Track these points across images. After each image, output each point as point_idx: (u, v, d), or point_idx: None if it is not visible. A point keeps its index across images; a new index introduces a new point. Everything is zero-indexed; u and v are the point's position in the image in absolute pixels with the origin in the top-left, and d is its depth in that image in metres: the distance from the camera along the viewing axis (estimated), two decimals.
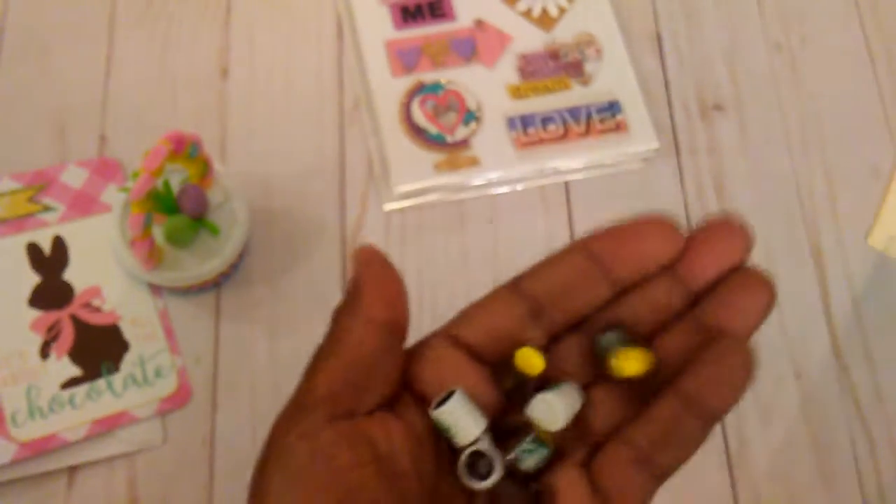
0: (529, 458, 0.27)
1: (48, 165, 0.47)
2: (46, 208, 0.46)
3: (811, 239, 0.50)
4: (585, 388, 0.28)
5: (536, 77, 0.52)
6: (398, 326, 0.27)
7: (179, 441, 0.43)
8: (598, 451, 0.28)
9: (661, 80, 0.53)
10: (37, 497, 0.42)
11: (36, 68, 0.50)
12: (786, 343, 0.48)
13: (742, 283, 0.28)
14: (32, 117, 0.49)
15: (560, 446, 0.28)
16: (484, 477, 0.27)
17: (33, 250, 0.45)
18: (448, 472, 0.27)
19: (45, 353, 0.43)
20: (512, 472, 0.27)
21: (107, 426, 0.42)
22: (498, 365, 0.28)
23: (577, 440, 0.28)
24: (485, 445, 0.27)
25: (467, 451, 0.27)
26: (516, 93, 0.51)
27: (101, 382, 0.43)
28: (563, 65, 0.52)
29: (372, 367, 0.26)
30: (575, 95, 0.51)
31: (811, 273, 0.50)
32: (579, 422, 0.28)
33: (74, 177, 0.47)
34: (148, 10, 0.52)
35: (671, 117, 0.52)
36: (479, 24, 0.53)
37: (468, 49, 0.52)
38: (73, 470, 0.42)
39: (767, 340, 0.48)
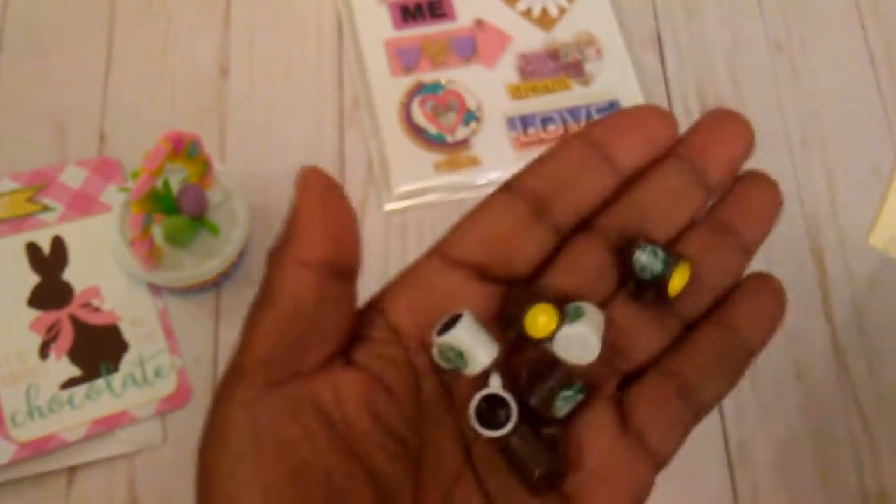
0: (565, 404, 0.24)
1: (47, 165, 0.47)
2: (46, 208, 0.46)
3: (811, 238, 0.50)
4: (604, 303, 0.26)
5: (536, 77, 0.52)
6: (345, 267, 0.24)
7: (179, 441, 0.43)
8: (633, 383, 0.26)
9: (662, 80, 0.53)
10: (36, 497, 0.42)
11: (35, 68, 0.50)
12: (786, 343, 0.48)
13: (753, 184, 0.27)
14: (32, 117, 0.49)
15: (587, 379, 0.25)
16: (500, 424, 0.24)
17: (33, 250, 0.45)
18: (435, 417, 0.24)
19: (44, 353, 0.43)
20: (534, 413, 0.24)
21: (106, 426, 0.42)
22: (504, 315, 0.25)
23: (606, 370, 0.25)
24: (497, 385, 0.24)
25: (479, 395, 0.24)
26: (516, 93, 0.51)
27: (100, 382, 0.43)
28: (564, 65, 0.52)
29: (314, 320, 0.23)
30: (575, 95, 0.51)
31: (812, 272, 0.50)
32: (609, 348, 0.25)
33: (74, 176, 0.47)
34: (148, 9, 0.52)
35: None
36: (479, 23, 0.53)
37: (468, 49, 0.52)
38: (72, 470, 0.42)
39: None
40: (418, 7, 0.53)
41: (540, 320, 0.24)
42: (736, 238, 0.26)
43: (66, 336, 0.44)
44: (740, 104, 0.53)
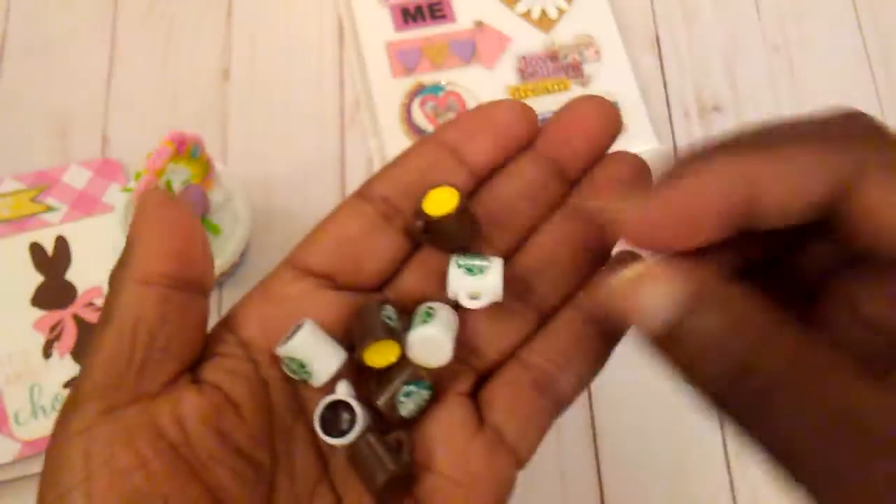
0: (408, 401, 0.23)
1: (50, 166, 0.47)
2: (49, 208, 0.46)
3: None
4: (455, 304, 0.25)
5: (536, 78, 0.52)
6: (190, 281, 0.22)
7: None
8: (488, 379, 0.25)
9: (660, 82, 0.54)
10: None
11: (38, 69, 0.51)
12: None
13: (616, 164, 0.26)
14: (35, 118, 0.49)
15: (438, 378, 0.24)
16: (345, 431, 0.23)
17: (36, 250, 0.46)
18: (288, 431, 0.23)
19: (47, 352, 0.44)
20: (382, 417, 0.23)
21: None
22: (351, 340, 0.24)
23: (460, 368, 0.24)
24: (343, 391, 0.23)
25: (323, 402, 0.23)
26: (516, 94, 0.51)
27: None
28: (563, 66, 0.52)
29: (155, 338, 0.21)
30: (574, 96, 0.52)
31: None
32: (462, 346, 0.24)
33: (77, 177, 0.47)
34: (150, 11, 0.52)
35: (670, 118, 0.53)
36: (479, 25, 0.53)
37: (468, 50, 0.52)
38: None
39: None
40: (419, 9, 0.53)
41: (377, 358, 0.23)
42: (589, 219, 0.25)
43: (70, 335, 0.44)
44: (738, 105, 0.53)
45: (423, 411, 0.24)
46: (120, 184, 0.47)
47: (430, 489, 0.23)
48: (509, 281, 0.24)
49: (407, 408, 0.23)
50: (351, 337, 0.24)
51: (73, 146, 0.49)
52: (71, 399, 0.21)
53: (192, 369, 0.23)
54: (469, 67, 0.52)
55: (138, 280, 0.22)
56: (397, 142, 0.50)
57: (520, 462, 0.24)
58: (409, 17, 0.53)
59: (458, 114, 0.27)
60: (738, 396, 0.19)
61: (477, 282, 0.24)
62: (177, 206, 0.23)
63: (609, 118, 0.26)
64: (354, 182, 0.49)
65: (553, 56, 0.53)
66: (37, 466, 0.42)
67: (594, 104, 0.26)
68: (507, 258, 0.25)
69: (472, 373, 0.25)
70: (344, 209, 0.25)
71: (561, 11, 0.54)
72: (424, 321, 0.23)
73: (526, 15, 0.54)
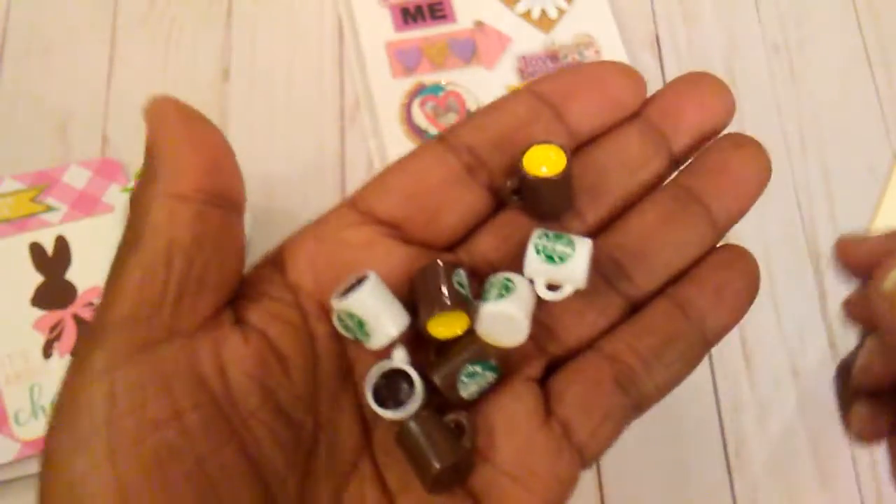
0: (471, 382, 0.20)
1: (50, 166, 0.47)
2: (49, 208, 0.46)
3: (809, 238, 0.51)
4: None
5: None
6: (225, 197, 0.20)
7: None
8: (562, 366, 0.22)
9: (660, 82, 0.54)
10: None
11: (38, 69, 0.51)
12: (783, 341, 0.48)
13: (733, 148, 0.23)
14: (34, 118, 0.49)
15: (506, 358, 0.21)
16: (400, 403, 0.20)
17: (36, 250, 0.46)
18: (333, 395, 0.20)
19: (47, 352, 0.44)
20: (438, 395, 0.21)
21: None
22: (412, 301, 0.21)
23: (532, 350, 0.22)
24: (401, 358, 0.20)
25: (379, 368, 0.20)
26: None
27: None
28: (563, 66, 0.52)
29: (193, 262, 0.18)
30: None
31: (809, 272, 0.50)
32: (537, 325, 0.21)
33: (77, 177, 0.47)
34: (150, 11, 0.52)
35: None
36: (479, 25, 0.53)
37: (468, 50, 0.52)
38: None
39: (765, 338, 0.48)
40: (419, 9, 0.53)
41: (443, 329, 0.20)
42: (701, 209, 0.22)
43: (70, 335, 0.44)
44: (738, 105, 0.53)
45: (485, 394, 0.21)
46: (120, 184, 0.47)
47: (484, 482, 0.20)
48: (599, 261, 0.22)
49: (468, 389, 0.20)
50: (413, 298, 0.21)
51: (73, 146, 0.49)
52: (91, 333, 0.18)
53: (232, 308, 0.20)
54: (469, 67, 0.52)
55: (171, 195, 0.19)
56: (397, 142, 0.50)
57: (585, 464, 0.21)
58: (409, 17, 0.53)
59: (560, 69, 0.23)
60: None
61: (557, 271, 0.21)
62: (203, 118, 0.20)
63: (725, 98, 0.24)
64: (354, 182, 0.49)
65: (553, 56, 0.53)
66: (37, 466, 0.42)
67: (712, 82, 0.24)
68: (597, 234, 0.23)
69: (545, 357, 0.22)
70: (423, 154, 0.22)
71: (561, 11, 0.54)
72: (501, 295, 0.20)
73: (526, 15, 0.54)
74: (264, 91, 0.51)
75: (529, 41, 0.53)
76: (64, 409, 0.17)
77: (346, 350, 0.21)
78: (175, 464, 0.17)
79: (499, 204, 0.22)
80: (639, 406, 0.22)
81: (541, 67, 0.52)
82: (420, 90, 0.51)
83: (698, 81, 0.24)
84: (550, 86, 0.22)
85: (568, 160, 0.21)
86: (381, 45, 0.52)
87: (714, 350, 0.42)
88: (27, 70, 0.50)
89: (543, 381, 0.22)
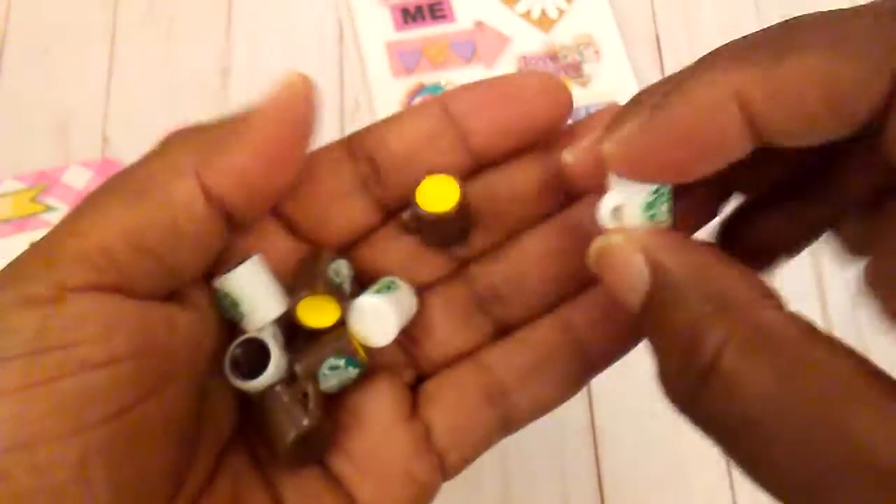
0: (332, 375, 0.20)
1: (50, 166, 0.47)
2: (49, 208, 0.46)
3: None
4: (423, 289, 0.22)
5: None
6: (242, 218, 0.20)
7: None
8: (436, 374, 0.22)
9: None
10: None
11: (38, 69, 0.51)
12: None
13: None
14: (35, 118, 0.49)
15: (380, 361, 0.21)
16: (253, 375, 0.20)
17: None
18: (217, 367, 0.20)
19: None
20: (297, 377, 0.20)
21: None
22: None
23: (402, 360, 0.22)
24: (269, 334, 0.20)
25: (239, 339, 0.20)
26: None
27: None
28: (563, 66, 0.52)
29: (203, 236, 0.19)
30: (574, 96, 0.52)
31: (809, 271, 0.50)
32: (414, 336, 0.22)
33: (77, 177, 0.47)
34: (150, 10, 0.52)
35: None
36: (479, 25, 0.53)
37: (468, 50, 0.52)
38: None
39: None
40: (419, 9, 0.53)
41: (311, 315, 0.20)
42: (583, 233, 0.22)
43: None
44: None
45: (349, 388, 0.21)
46: None
47: (339, 471, 0.20)
48: (476, 290, 0.22)
49: (328, 382, 0.20)
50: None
51: (73, 146, 0.49)
52: (38, 253, 0.18)
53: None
54: (469, 67, 0.52)
55: (207, 183, 0.19)
56: None
57: (445, 472, 0.21)
58: (409, 17, 0.53)
59: (479, 81, 0.22)
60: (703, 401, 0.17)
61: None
62: (309, 129, 0.20)
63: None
64: None
65: (553, 56, 0.53)
66: None
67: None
68: (480, 259, 0.23)
69: (415, 368, 0.22)
70: (322, 158, 0.22)
71: (561, 11, 0.54)
72: (380, 292, 0.21)
73: (526, 15, 0.54)
74: (265, 91, 0.51)
75: (529, 41, 0.53)
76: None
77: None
78: (94, 406, 0.17)
79: (386, 215, 0.23)
80: (507, 421, 0.21)
81: (541, 67, 0.52)
82: (420, 90, 0.51)
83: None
84: (460, 100, 0.22)
85: (462, 194, 0.21)
86: (381, 45, 0.52)
87: None
88: (27, 70, 0.50)
89: (417, 387, 0.22)
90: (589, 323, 0.22)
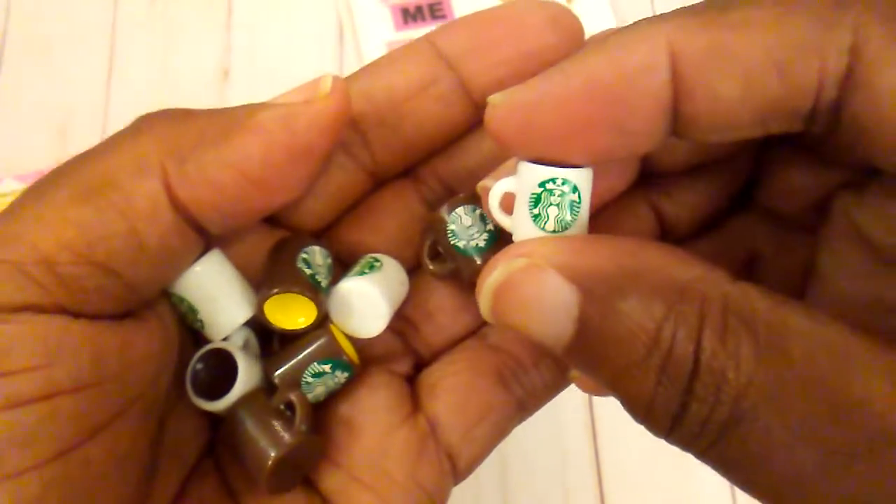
0: (317, 383, 0.17)
1: (50, 166, 0.47)
2: None
3: None
4: (413, 269, 0.19)
5: None
6: (210, 228, 0.16)
7: None
8: (437, 360, 0.19)
9: None
10: None
11: (38, 69, 0.51)
12: None
13: None
14: (35, 118, 0.49)
15: (370, 353, 0.18)
16: (219, 393, 0.16)
17: None
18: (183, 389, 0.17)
19: None
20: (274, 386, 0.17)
21: None
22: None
23: (399, 346, 0.19)
24: (240, 339, 0.17)
25: (201, 351, 0.17)
26: None
27: None
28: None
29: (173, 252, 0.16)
30: None
31: None
32: (410, 319, 0.18)
33: None
34: (150, 10, 0.52)
35: None
36: None
37: None
38: None
39: None
40: (419, 9, 0.53)
41: (282, 316, 0.17)
42: None
43: None
44: None
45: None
46: None
47: (333, 488, 0.17)
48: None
49: (313, 391, 0.17)
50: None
51: (73, 146, 0.49)
52: None
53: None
54: None
55: (179, 187, 0.16)
56: None
57: (457, 473, 0.18)
58: (409, 17, 0.53)
59: (470, 15, 0.17)
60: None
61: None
62: (333, 143, 0.17)
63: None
64: None
65: None
66: None
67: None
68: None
69: (412, 357, 0.19)
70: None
71: None
72: (362, 273, 0.17)
73: None
74: (265, 91, 0.51)
75: None
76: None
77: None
78: (27, 450, 0.14)
79: (376, 183, 0.19)
80: (523, 406, 0.19)
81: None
82: None
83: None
84: (454, 39, 0.18)
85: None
86: (381, 45, 0.52)
87: None
88: (27, 70, 0.50)
89: (414, 379, 0.19)
90: None
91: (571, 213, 0.15)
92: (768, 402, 0.13)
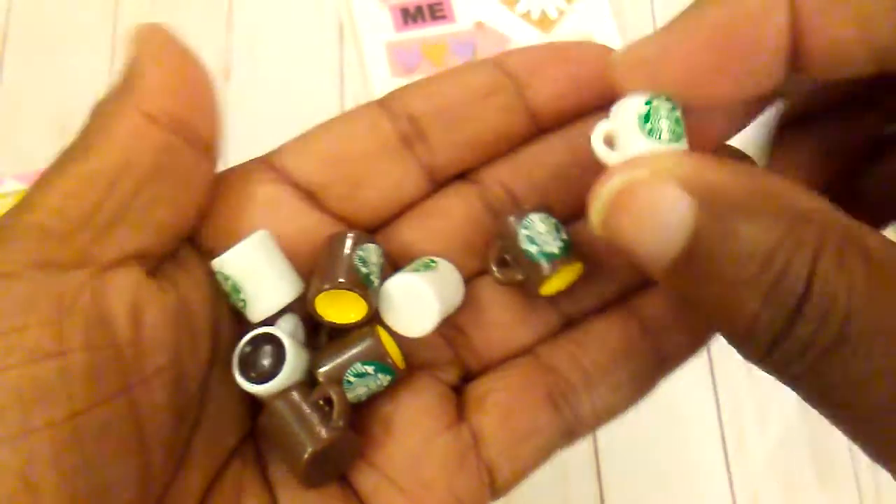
0: (359, 383, 0.17)
1: None
2: None
3: None
4: (471, 278, 0.19)
5: None
6: (198, 136, 0.17)
7: None
8: (486, 373, 0.18)
9: None
10: None
11: (39, 69, 0.51)
12: None
13: None
14: (35, 118, 0.49)
15: (418, 357, 0.18)
16: (265, 377, 0.16)
17: None
18: (224, 368, 0.17)
19: None
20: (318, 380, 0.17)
21: None
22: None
23: (447, 355, 0.18)
24: (290, 326, 0.17)
25: (251, 334, 0.17)
26: None
27: None
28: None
29: (136, 192, 0.16)
30: None
31: None
32: (461, 327, 0.18)
33: None
34: (150, 11, 0.52)
35: None
36: (479, 25, 0.53)
37: (468, 51, 0.52)
38: None
39: None
40: (419, 9, 0.53)
41: (333, 311, 0.17)
42: None
43: None
44: None
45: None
46: None
47: (370, 490, 0.17)
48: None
49: (355, 391, 0.17)
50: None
51: None
52: None
53: (157, 258, 0.17)
54: None
55: (141, 111, 0.16)
56: None
57: (496, 489, 0.18)
58: (409, 17, 0.53)
59: (534, 44, 0.19)
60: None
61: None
62: (185, 48, 0.18)
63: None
64: None
65: None
66: None
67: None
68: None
69: (459, 367, 0.19)
70: (356, 116, 0.19)
71: (561, 12, 0.54)
72: (417, 270, 0.17)
73: (526, 15, 0.54)
74: (265, 91, 0.51)
75: (529, 41, 0.53)
76: None
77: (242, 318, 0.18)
78: (40, 406, 0.14)
79: (436, 185, 0.19)
80: (570, 431, 0.18)
81: None
82: None
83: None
84: (518, 58, 0.19)
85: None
86: (381, 45, 0.52)
87: (713, 349, 0.42)
88: (28, 70, 0.50)
89: (460, 389, 0.19)
90: (662, 315, 0.19)
91: (680, 126, 0.15)
92: (876, 328, 0.13)
